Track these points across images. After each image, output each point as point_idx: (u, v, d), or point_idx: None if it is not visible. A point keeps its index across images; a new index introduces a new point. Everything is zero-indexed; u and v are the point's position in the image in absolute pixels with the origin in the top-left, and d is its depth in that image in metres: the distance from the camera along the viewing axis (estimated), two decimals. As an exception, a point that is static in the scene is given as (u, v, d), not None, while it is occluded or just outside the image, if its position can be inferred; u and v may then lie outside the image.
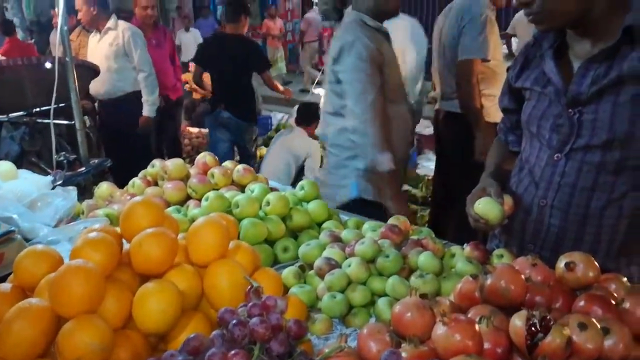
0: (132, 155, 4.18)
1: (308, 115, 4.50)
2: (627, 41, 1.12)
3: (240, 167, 1.86)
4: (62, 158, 2.40)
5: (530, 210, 1.33)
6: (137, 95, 4.15)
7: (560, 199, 1.27)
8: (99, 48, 4.07)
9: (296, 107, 5.26)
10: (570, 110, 1.21)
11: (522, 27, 5.57)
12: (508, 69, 1.45)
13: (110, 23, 4.02)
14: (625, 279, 1.06)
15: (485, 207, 1.26)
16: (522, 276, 1.00)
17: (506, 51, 5.81)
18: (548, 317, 0.86)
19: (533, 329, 0.86)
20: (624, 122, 1.14)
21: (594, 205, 1.23)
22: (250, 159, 4.81)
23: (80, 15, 4.02)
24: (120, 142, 4.13)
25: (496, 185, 1.31)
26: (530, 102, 1.32)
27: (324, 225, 1.67)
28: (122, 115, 4.15)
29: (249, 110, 4.66)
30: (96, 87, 4.02)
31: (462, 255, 1.37)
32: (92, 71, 3.66)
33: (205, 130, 6.29)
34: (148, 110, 4.18)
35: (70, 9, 3.84)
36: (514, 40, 6.06)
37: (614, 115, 1.15)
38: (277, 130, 6.19)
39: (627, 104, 1.14)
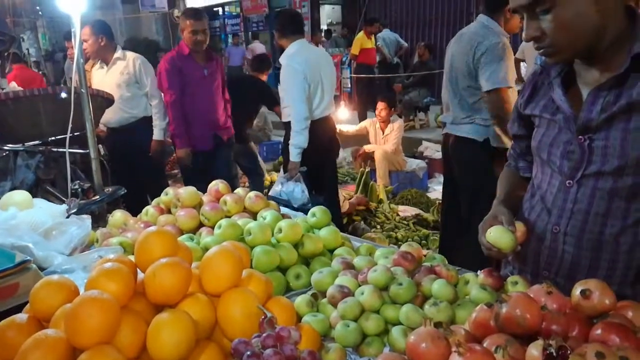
0: (144, 181, 4.24)
1: None
2: (636, 69, 1.13)
3: (252, 194, 1.87)
4: (76, 186, 2.42)
5: (544, 237, 1.32)
6: (147, 120, 4.20)
7: (574, 225, 1.26)
8: (107, 78, 4.10)
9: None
10: (580, 137, 1.22)
11: (531, 52, 5.59)
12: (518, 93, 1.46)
13: (118, 54, 4.09)
14: (643, 307, 1.05)
15: (496, 236, 1.25)
16: (538, 304, 1.00)
17: (515, 76, 5.83)
18: (565, 347, 0.85)
19: (550, 358, 0.85)
20: (635, 148, 1.14)
21: (608, 231, 1.22)
22: (252, 175, 5.28)
23: (85, 46, 3.96)
24: (133, 168, 4.15)
25: (507, 212, 1.31)
26: (540, 129, 1.33)
27: (336, 252, 1.67)
28: (135, 141, 4.18)
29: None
30: (107, 116, 4.04)
31: (476, 282, 1.36)
32: (107, 101, 3.72)
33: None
34: (159, 134, 4.22)
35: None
36: (522, 65, 6.08)
37: (624, 141, 1.15)
38: (288, 155, 6.24)
39: (637, 131, 1.13)
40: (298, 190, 3.63)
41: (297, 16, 3.90)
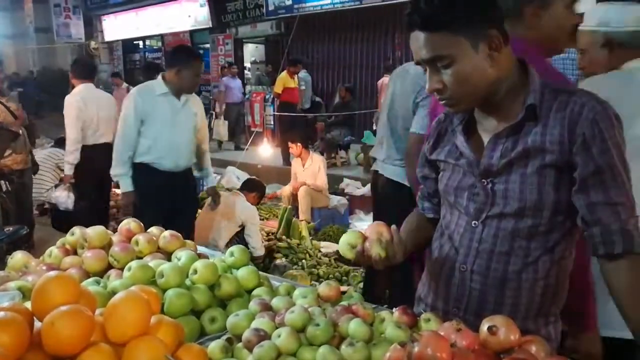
0: None
1: (253, 186, 5.14)
2: (530, 118, 1.22)
3: (166, 233, 1.80)
4: (-28, 226, 2.24)
5: (453, 275, 1.37)
6: None
7: (480, 264, 1.32)
8: (182, 113, 3.65)
9: (229, 168, 5.50)
10: (483, 180, 1.29)
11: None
12: None
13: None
14: (544, 341, 1.11)
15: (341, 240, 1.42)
16: (448, 342, 1.02)
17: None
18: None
19: (459, 397, 0.86)
20: (533, 191, 1.22)
21: (511, 269, 1.29)
22: None
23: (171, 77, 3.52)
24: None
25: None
26: (446, 172, 1.40)
27: (254, 292, 1.63)
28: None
29: None
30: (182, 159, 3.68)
31: (391, 320, 1.37)
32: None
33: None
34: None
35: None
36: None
37: (523, 185, 1.23)
38: (209, 191, 6.15)
39: (534, 175, 1.22)
40: (65, 196, 4.78)
41: (90, 64, 5.47)
